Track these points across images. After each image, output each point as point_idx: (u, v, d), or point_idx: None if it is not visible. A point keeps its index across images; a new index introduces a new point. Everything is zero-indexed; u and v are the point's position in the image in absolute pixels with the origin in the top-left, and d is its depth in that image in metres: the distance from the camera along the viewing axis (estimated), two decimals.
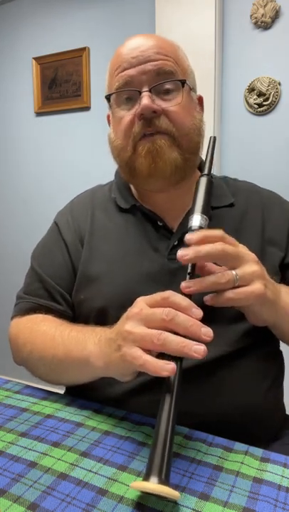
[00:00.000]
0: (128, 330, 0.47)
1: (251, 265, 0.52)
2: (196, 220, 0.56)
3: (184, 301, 0.47)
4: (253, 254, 0.54)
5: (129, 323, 0.48)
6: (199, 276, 0.52)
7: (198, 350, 0.43)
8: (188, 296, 0.49)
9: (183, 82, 0.67)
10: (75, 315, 0.73)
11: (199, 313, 0.46)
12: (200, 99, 0.76)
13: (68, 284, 0.73)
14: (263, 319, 0.58)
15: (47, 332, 0.65)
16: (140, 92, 0.65)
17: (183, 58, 0.71)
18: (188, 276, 0.51)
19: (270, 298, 0.54)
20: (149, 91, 0.64)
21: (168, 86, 0.66)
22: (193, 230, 0.55)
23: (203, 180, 0.60)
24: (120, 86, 0.67)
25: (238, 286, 0.51)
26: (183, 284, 0.50)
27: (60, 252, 0.75)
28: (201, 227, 0.55)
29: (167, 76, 0.66)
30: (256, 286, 0.51)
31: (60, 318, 0.70)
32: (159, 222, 0.71)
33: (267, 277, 0.55)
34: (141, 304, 0.49)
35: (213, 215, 0.72)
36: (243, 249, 0.54)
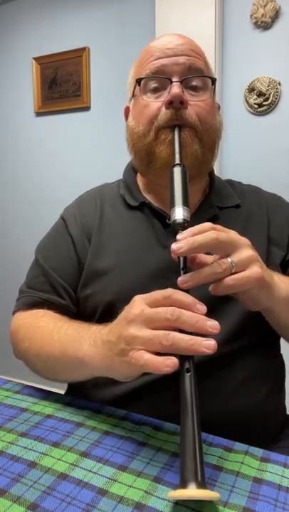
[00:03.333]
0: (132, 334, 0.45)
1: (246, 250, 0.51)
2: (179, 212, 0.55)
3: (187, 298, 0.46)
4: (245, 238, 0.53)
5: (132, 327, 0.46)
6: (192, 270, 0.51)
7: (208, 346, 0.42)
8: (186, 291, 0.48)
9: (213, 80, 0.70)
10: (79, 310, 0.73)
11: (203, 308, 0.45)
12: (218, 107, 0.77)
13: (73, 278, 0.72)
14: (259, 303, 0.57)
15: (45, 328, 0.65)
16: (171, 81, 0.66)
17: (209, 65, 0.74)
18: (182, 272, 0.51)
19: (267, 280, 0.54)
20: (180, 82, 0.66)
21: (196, 83, 0.69)
22: (178, 223, 0.54)
23: (178, 171, 0.60)
24: (151, 73, 0.68)
25: (235, 273, 0.50)
26: (180, 279, 0.49)
27: (66, 246, 0.74)
28: (185, 220, 0.54)
29: (198, 73, 0.68)
30: (254, 270, 0.51)
31: (62, 313, 0.69)
32: (167, 220, 0.71)
33: (261, 260, 0.54)
34: (140, 305, 0.47)
35: (221, 215, 0.73)
36: (234, 235, 0.53)
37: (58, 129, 2.18)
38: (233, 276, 0.50)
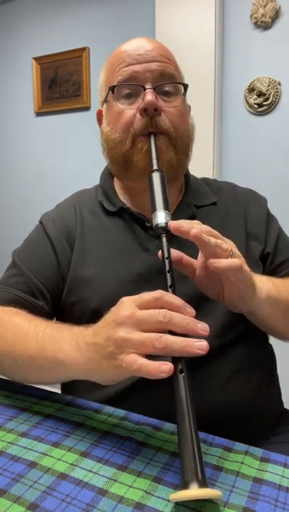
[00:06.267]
0: (123, 337, 0.44)
1: (234, 247, 0.54)
2: (161, 217, 0.56)
3: (177, 301, 0.46)
4: (230, 240, 0.55)
5: (122, 329, 0.45)
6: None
7: (201, 347, 0.43)
8: (174, 291, 0.49)
9: (186, 86, 0.70)
10: (64, 316, 0.72)
11: (192, 311, 0.46)
12: (190, 109, 0.78)
13: (50, 281, 0.71)
14: (246, 303, 0.58)
15: (19, 325, 0.62)
16: (144, 88, 0.67)
17: (180, 68, 0.74)
18: (168, 275, 0.51)
19: (252, 277, 0.55)
20: (153, 89, 0.67)
21: (168, 88, 0.69)
22: (160, 227, 0.55)
23: (156, 176, 0.61)
24: (124, 80, 0.68)
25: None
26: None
27: (45, 248, 0.74)
28: (167, 223, 0.55)
29: (170, 79, 0.69)
30: (239, 261, 0.52)
31: (36, 314, 0.67)
32: (146, 223, 0.72)
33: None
34: (130, 306, 0.46)
35: (198, 213, 0.75)
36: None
37: (58, 129, 2.18)
38: (227, 259, 0.51)
